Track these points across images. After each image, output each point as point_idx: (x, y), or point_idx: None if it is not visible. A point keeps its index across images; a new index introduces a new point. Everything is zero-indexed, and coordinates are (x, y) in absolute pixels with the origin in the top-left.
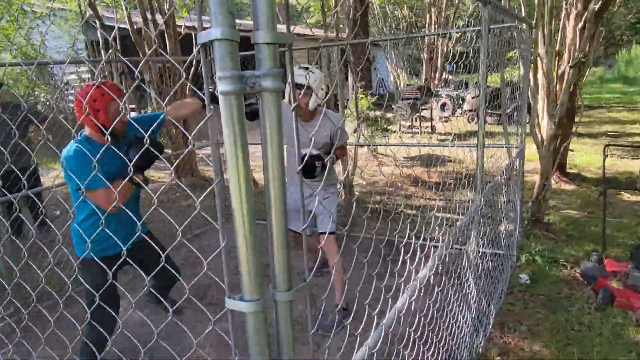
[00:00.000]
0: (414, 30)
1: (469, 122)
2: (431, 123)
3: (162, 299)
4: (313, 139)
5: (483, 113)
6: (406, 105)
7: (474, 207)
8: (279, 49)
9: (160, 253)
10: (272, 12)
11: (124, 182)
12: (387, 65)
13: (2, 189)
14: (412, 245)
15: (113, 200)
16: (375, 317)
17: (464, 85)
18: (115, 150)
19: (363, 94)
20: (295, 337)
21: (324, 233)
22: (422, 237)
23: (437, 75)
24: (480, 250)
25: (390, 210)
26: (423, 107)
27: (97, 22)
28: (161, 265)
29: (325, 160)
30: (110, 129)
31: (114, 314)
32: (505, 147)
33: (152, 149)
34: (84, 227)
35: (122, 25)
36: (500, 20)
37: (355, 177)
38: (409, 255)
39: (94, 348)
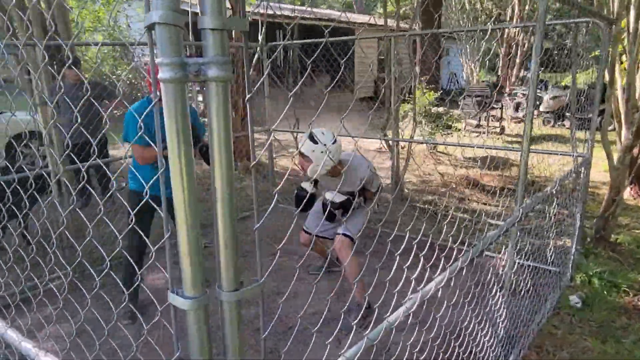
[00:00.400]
0: (495, 24)
1: (544, 124)
2: (500, 123)
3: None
4: (340, 187)
5: (530, 115)
6: (473, 103)
7: (511, 218)
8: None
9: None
10: None
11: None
12: (461, 59)
13: (71, 160)
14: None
15: (142, 159)
16: (355, 326)
17: (543, 85)
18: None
19: (426, 88)
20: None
21: (340, 235)
22: (466, 243)
23: (514, 72)
24: (517, 262)
25: (439, 212)
26: (493, 106)
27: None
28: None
29: (354, 200)
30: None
31: (143, 238)
32: (562, 154)
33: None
34: (135, 167)
35: (197, 10)
36: (575, 14)
37: (408, 175)
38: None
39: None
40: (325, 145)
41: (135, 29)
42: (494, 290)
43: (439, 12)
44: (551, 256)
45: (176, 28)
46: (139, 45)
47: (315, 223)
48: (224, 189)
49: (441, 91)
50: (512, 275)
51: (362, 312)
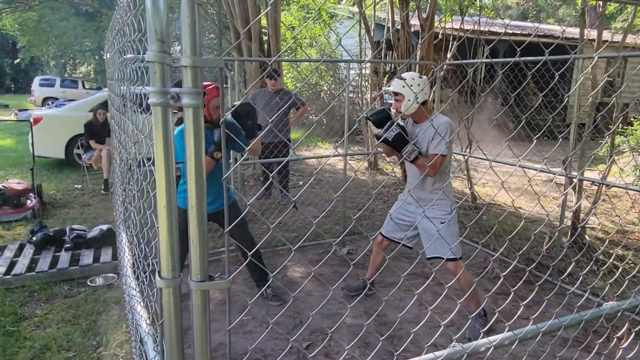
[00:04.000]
0: None
1: None
2: None
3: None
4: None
5: None
6: None
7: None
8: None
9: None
10: (194, 40)
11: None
12: None
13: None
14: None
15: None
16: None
17: None
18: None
19: None
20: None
21: (438, 258)
22: None
23: None
24: None
25: (628, 271)
26: None
27: (388, 24)
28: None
29: (405, 151)
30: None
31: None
32: None
33: (229, 134)
34: (181, 186)
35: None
36: None
37: (601, 219)
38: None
39: None
40: (413, 78)
41: (344, 44)
42: None
43: None
44: None
45: (161, 65)
46: (348, 62)
47: (390, 225)
48: (195, 196)
49: None
50: None
51: (480, 320)
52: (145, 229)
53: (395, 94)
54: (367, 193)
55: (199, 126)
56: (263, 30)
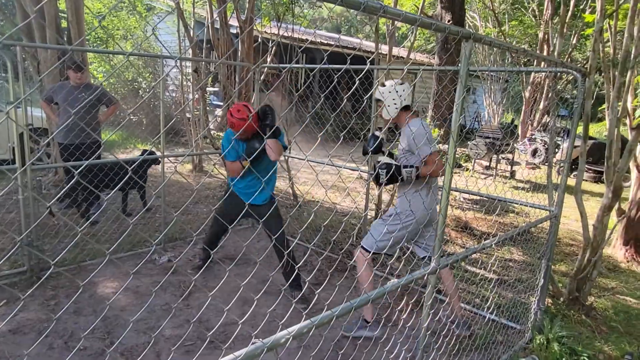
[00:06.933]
0: (520, 66)
1: (558, 173)
2: (511, 168)
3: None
4: (399, 145)
5: (455, 158)
6: (482, 144)
7: (421, 270)
8: None
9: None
10: None
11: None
12: (484, 99)
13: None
14: None
15: (230, 171)
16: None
17: (565, 133)
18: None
19: (431, 124)
20: None
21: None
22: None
23: (537, 117)
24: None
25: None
26: (503, 149)
27: (207, 22)
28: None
29: (395, 169)
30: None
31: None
32: (532, 207)
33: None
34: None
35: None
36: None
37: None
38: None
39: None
40: (392, 85)
41: (164, 40)
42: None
43: (458, 49)
44: (507, 311)
45: None
46: (165, 58)
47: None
48: None
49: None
50: (428, 328)
51: (364, 326)
52: None
53: (378, 100)
54: (191, 196)
55: None
56: (62, 14)
